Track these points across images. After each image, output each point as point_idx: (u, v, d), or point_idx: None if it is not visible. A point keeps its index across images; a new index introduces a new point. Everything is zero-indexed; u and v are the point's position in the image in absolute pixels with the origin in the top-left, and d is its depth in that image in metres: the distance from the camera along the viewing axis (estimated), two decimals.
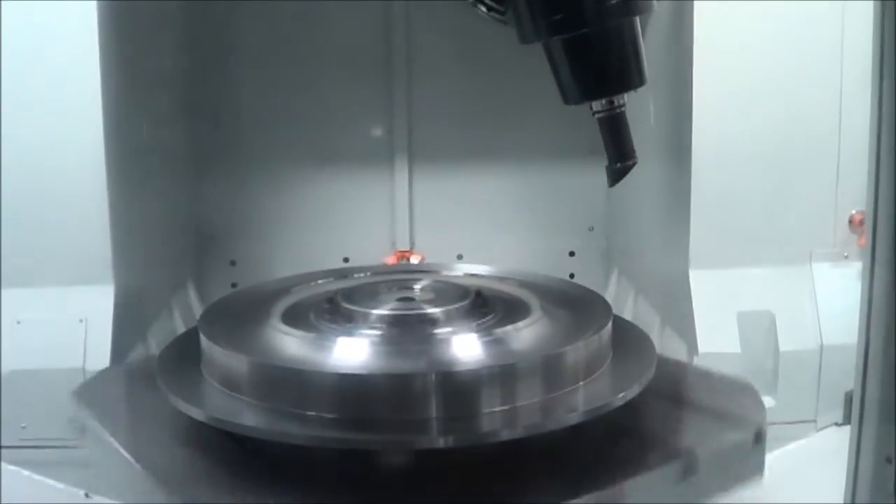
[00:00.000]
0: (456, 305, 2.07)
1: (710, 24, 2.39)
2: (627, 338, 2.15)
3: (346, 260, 3.23)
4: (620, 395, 1.85)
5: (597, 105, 1.96)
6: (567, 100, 1.99)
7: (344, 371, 1.82)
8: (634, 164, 2.00)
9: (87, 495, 2.27)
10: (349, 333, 1.99)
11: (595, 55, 1.93)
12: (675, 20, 2.51)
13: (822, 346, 2.43)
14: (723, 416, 2.05)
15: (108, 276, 2.41)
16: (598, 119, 1.97)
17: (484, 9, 2.24)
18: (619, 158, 1.99)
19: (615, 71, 1.95)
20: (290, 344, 1.97)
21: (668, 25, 2.53)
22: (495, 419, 1.77)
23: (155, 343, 2.62)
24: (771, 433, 2.07)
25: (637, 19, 1.92)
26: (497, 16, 2.17)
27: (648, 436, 1.96)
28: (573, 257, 3.34)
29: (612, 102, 1.95)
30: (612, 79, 1.95)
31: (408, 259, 3.25)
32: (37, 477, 2.29)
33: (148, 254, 2.72)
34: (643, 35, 1.96)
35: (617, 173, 2.00)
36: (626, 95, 1.98)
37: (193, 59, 3.17)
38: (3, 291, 2.37)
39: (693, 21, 2.39)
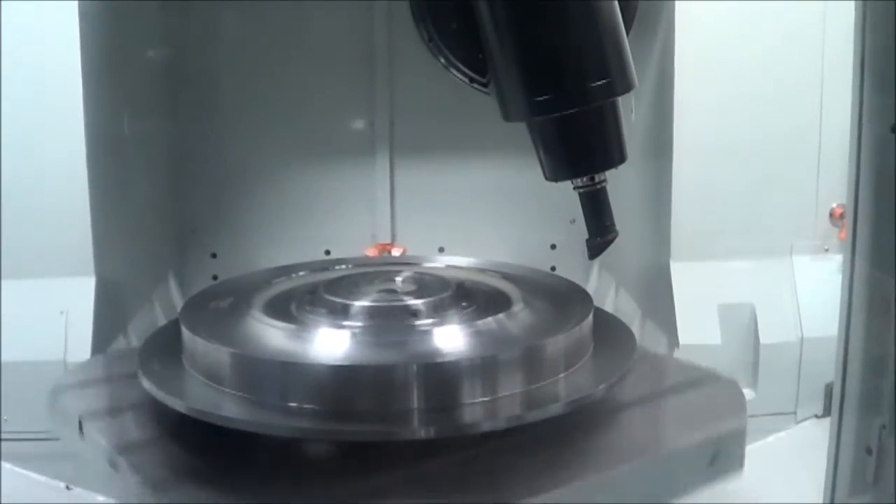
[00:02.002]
0: (437, 297, 2.07)
1: (692, 20, 2.41)
2: (608, 330, 2.15)
3: (327, 252, 3.22)
4: (601, 386, 1.86)
5: (577, 181, 1.94)
6: (547, 176, 1.98)
7: (325, 362, 1.82)
8: (615, 238, 1.98)
9: (67, 487, 2.27)
10: (331, 325, 1.99)
11: (577, 134, 1.91)
12: (658, 19, 2.52)
13: (802, 339, 2.45)
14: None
15: (88, 269, 2.41)
16: (579, 194, 1.95)
17: (465, 78, 2.24)
18: (600, 232, 1.97)
19: (596, 149, 1.93)
20: (272, 335, 1.96)
21: (650, 22, 2.54)
22: (476, 410, 1.77)
23: (135, 335, 2.61)
24: (751, 425, 2.07)
25: (618, 98, 1.90)
26: (479, 87, 2.16)
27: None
28: (554, 250, 3.34)
29: (592, 178, 1.93)
30: (593, 157, 1.94)
31: (389, 252, 3.24)
32: (18, 470, 2.29)
33: (129, 246, 2.71)
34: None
35: (597, 247, 1.98)
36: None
37: (175, 54, 3.15)
38: None
39: (674, 17, 2.41)
